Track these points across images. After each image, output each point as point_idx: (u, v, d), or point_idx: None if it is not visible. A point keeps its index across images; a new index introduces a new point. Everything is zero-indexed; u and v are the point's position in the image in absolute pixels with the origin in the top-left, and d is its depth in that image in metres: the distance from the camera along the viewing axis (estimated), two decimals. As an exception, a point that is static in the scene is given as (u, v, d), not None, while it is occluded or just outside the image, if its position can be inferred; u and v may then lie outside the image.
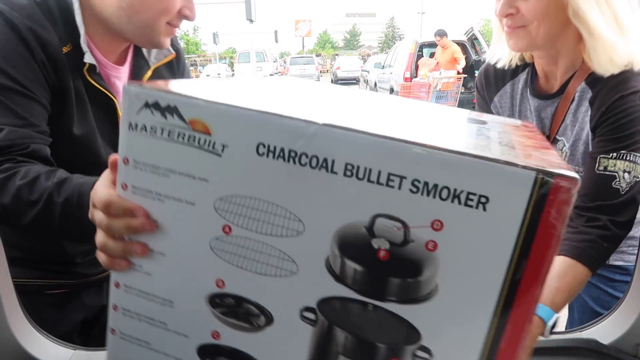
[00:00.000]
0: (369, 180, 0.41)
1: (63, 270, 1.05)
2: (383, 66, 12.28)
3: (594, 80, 1.04)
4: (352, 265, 0.44)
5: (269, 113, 0.44)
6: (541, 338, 0.88)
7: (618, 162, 0.97)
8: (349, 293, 0.45)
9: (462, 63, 8.67)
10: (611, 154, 0.98)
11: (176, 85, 0.51)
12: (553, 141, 1.16)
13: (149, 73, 1.04)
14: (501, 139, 0.48)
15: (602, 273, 1.26)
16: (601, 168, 0.98)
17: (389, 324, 0.44)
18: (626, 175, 0.97)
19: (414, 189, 0.40)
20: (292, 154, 0.43)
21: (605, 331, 0.90)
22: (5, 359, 0.80)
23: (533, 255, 0.39)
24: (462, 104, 8.34)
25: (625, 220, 0.98)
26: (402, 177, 0.40)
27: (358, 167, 0.42)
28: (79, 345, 0.91)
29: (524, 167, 0.37)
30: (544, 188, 0.37)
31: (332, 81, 28.04)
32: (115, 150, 0.52)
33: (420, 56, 9.91)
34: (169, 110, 0.48)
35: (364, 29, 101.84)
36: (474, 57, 9.50)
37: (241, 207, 0.47)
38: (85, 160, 0.91)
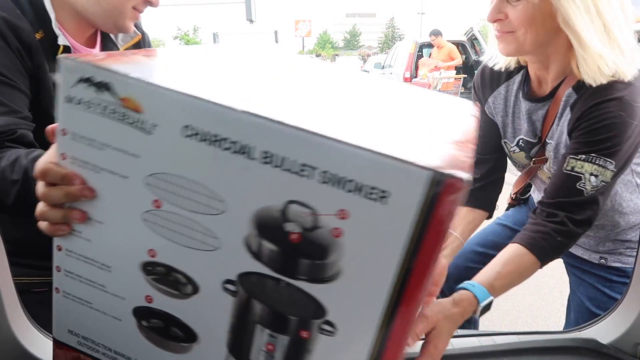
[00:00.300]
0: (283, 169, 0.45)
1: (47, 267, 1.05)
2: (383, 66, 12.27)
3: (579, 86, 1.05)
4: (267, 245, 0.48)
5: (195, 97, 0.46)
6: (537, 339, 0.88)
7: (586, 164, 0.99)
8: (265, 270, 0.49)
9: (459, 61, 8.67)
10: (580, 156, 0.99)
11: (116, 60, 0.52)
12: (543, 144, 1.17)
13: None
14: (432, 130, 0.52)
15: (600, 274, 1.26)
16: (569, 168, 1.00)
17: (299, 299, 0.49)
18: (592, 178, 0.99)
19: (323, 180, 0.44)
20: (216, 138, 0.46)
21: (604, 331, 0.91)
22: (5, 358, 0.80)
23: (424, 248, 0.43)
24: (461, 104, 8.34)
25: (584, 219, 1.00)
26: (313, 168, 0.44)
27: (274, 155, 0.45)
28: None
29: (421, 167, 0.40)
30: (437, 187, 0.41)
31: (332, 81, 27.96)
32: None
33: (420, 56, 9.91)
34: (103, 86, 0.49)
35: (364, 29, 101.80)
36: (473, 57, 9.49)
37: (169, 184, 0.51)
38: None
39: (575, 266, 1.33)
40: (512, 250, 1.02)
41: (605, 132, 0.98)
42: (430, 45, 9.38)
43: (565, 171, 1.01)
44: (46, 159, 0.56)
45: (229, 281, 0.52)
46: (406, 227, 0.43)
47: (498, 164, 1.34)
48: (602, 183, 0.99)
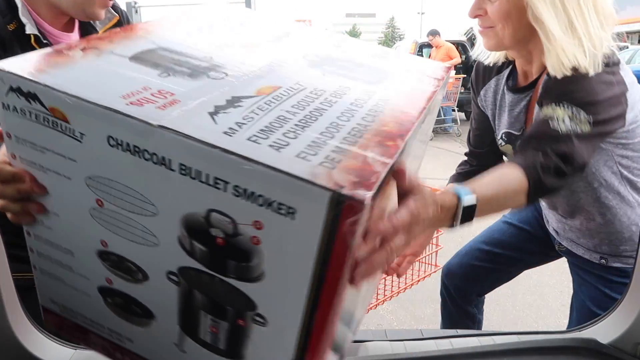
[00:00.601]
0: (200, 181, 0.48)
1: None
2: (383, 66, 12.28)
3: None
4: (197, 246, 0.52)
5: (114, 110, 0.49)
6: (537, 339, 0.88)
7: (558, 109, 0.99)
8: (200, 266, 0.53)
9: (457, 60, 8.66)
10: (551, 104, 1.00)
11: (52, 63, 0.55)
12: None
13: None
14: (360, 125, 0.55)
15: (601, 274, 1.26)
16: (542, 115, 1.01)
17: (231, 294, 0.53)
18: (567, 119, 0.98)
19: (236, 193, 0.46)
20: (137, 149, 0.49)
21: (604, 331, 0.91)
22: (6, 358, 0.80)
23: (332, 259, 0.46)
24: (461, 104, 8.33)
25: (565, 153, 0.96)
26: (226, 182, 0.46)
27: (190, 168, 0.48)
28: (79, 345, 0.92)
29: (321, 187, 0.43)
30: (337, 208, 0.43)
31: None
32: None
33: (420, 56, 9.91)
34: (31, 96, 0.52)
35: (364, 29, 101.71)
36: (473, 57, 9.48)
37: (106, 187, 0.55)
38: None
39: (578, 265, 1.33)
40: (505, 166, 0.98)
41: (574, 84, 1.01)
42: (429, 45, 9.37)
43: (539, 119, 1.02)
44: None
45: (171, 272, 0.56)
46: (315, 241, 0.46)
47: (492, 157, 1.36)
48: (579, 129, 0.97)
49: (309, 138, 0.51)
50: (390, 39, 79.85)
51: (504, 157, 1.35)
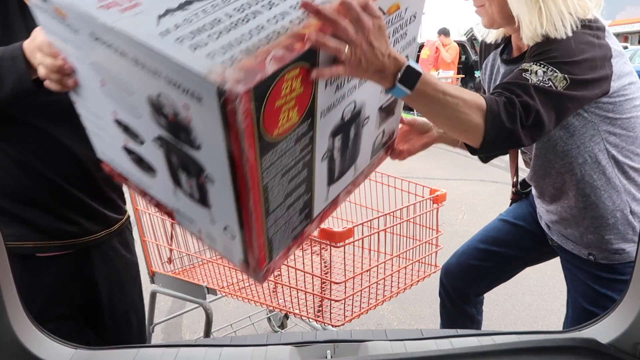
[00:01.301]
0: (146, 70, 0.65)
1: (51, 228, 1.13)
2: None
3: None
4: (161, 120, 0.72)
5: (90, 15, 0.68)
6: (537, 338, 0.88)
7: (534, 65, 1.03)
8: (169, 135, 0.73)
9: (450, 55, 8.55)
10: (530, 62, 1.05)
11: None
12: None
13: None
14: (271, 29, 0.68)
15: (590, 270, 1.27)
16: (521, 67, 1.06)
17: (189, 158, 0.73)
18: (540, 72, 1.01)
19: (168, 81, 0.64)
20: (107, 44, 0.68)
21: (604, 330, 0.91)
22: (7, 358, 0.80)
23: (233, 140, 0.63)
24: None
25: (529, 105, 0.98)
26: (159, 72, 0.64)
27: (137, 60, 0.65)
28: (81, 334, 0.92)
29: (210, 82, 0.58)
30: (221, 98, 0.58)
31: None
32: None
33: (418, 56, 9.90)
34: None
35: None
36: (473, 57, 9.49)
37: (102, 69, 0.75)
38: None
39: (569, 261, 1.34)
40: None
41: (551, 44, 1.06)
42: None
43: (515, 71, 1.06)
44: (42, 39, 0.84)
45: (155, 138, 0.76)
46: (218, 122, 0.62)
47: None
48: (549, 83, 1.00)
49: (227, 39, 0.65)
50: (390, 39, 79.68)
51: None
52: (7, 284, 0.78)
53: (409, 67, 0.85)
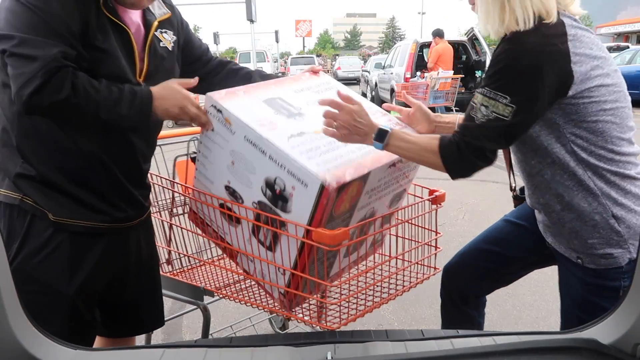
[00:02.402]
0: (274, 163, 1.19)
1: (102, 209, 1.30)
2: (384, 66, 12.25)
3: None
4: (268, 191, 1.23)
5: (249, 126, 1.23)
6: (538, 339, 0.88)
7: (480, 96, 1.16)
8: (267, 201, 1.25)
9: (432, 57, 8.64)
10: (479, 89, 1.17)
11: (229, 95, 1.31)
12: None
13: (156, 24, 1.33)
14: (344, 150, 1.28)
15: (578, 274, 1.28)
16: (472, 99, 1.19)
17: (276, 217, 1.24)
18: (483, 108, 1.15)
19: (287, 173, 1.18)
20: (256, 146, 1.23)
21: (605, 331, 0.90)
22: (6, 358, 0.80)
23: (318, 209, 1.15)
24: (460, 104, 8.32)
25: (473, 142, 1.17)
26: (284, 166, 1.18)
27: (272, 156, 1.20)
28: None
29: (317, 177, 1.13)
30: (321, 188, 1.13)
31: (332, 81, 27.90)
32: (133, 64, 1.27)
33: (420, 56, 9.90)
34: (219, 110, 1.27)
35: (364, 29, 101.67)
36: (474, 57, 9.48)
37: (238, 156, 1.27)
38: (111, 71, 1.22)
39: (562, 264, 1.34)
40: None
41: (496, 69, 1.15)
42: (428, 46, 9.35)
43: (470, 102, 1.21)
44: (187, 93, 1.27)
45: (254, 202, 1.28)
46: (313, 199, 1.14)
47: None
48: (494, 114, 1.13)
49: (326, 158, 1.21)
50: (390, 38, 79.78)
51: None
52: (7, 286, 0.78)
53: (380, 129, 1.23)
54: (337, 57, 39.61)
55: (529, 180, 1.31)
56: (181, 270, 1.80)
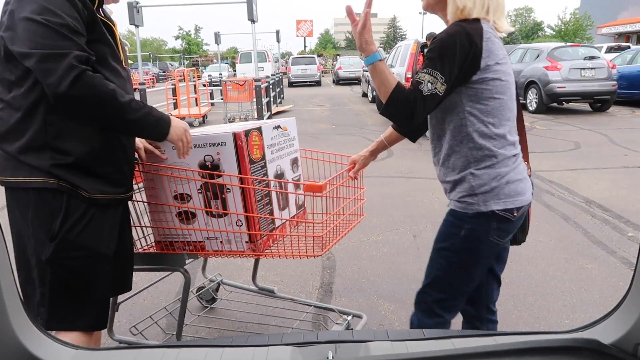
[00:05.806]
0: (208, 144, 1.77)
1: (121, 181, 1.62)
2: (384, 66, 12.22)
3: None
4: (203, 174, 1.78)
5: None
6: (539, 339, 0.88)
7: (422, 74, 1.40)
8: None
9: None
10: (422, 69, 1.40)
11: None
12: None
13: (113, 18, 1.62)
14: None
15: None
16: (415, 77, 1.41)
17: (218, 185, 1.77)
18: (429, 84, 1.38)
19: (214, 145, 1.76)
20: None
21: (606, 331, 0.90)
22: (7, 358, 0.80)
23: (240, 156, 1.72)
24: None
25: (416, 97, 1.39)
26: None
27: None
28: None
29: (229, 133, 1.71)
30: (234, 136, 1.70)
31: (333, 81, 27.98)
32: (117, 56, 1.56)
33: (421, 55, 9.89)
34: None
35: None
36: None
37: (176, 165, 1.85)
38: (113, 63, 1.53)
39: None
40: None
41: (435, 53, 1.39)
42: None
43: (416, 74, 1.42)
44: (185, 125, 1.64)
45: (198, 188, 1.78)
46: (233, 148, 1.72)
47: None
48: (435, 90, 1.38)
49: (229, 129, 1.83)
50: (392, 39, 79.68)
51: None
52: (7, 285, 0.78)
53: (374, 53, 1.44)
54: (338, 57, 39.61)
55: (440, 142, 1.65)
56: (149, 246, 2.04)
